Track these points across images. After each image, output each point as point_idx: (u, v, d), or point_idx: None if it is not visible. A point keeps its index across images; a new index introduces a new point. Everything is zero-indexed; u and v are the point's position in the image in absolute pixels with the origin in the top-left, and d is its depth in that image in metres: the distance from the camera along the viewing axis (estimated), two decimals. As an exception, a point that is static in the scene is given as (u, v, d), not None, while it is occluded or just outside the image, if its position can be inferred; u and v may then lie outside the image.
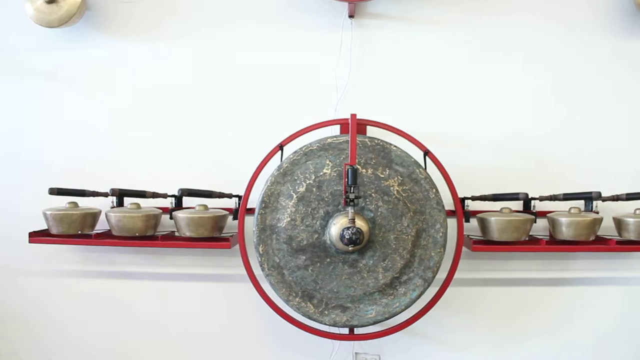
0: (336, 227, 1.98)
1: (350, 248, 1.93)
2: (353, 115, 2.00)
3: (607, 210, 2.25)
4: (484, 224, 2.18)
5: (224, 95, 2.41)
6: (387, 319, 2.06)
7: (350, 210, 1.88)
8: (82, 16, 2.38)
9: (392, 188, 2.03)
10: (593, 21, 2.37)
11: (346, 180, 1.87)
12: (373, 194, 2.03)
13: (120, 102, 2.43)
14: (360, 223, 1.97)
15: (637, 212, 2.19)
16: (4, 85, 2.45)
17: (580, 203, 2.24)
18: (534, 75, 2.38)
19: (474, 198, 2.25)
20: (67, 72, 2.44)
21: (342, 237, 1.90)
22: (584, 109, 2.37)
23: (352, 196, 1.87)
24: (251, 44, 2.40)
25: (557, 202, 2.25)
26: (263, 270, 2.05)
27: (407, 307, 2.06)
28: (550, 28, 2.37)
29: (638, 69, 2.36)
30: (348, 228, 1.89)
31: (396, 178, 2.04)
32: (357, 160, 1.99)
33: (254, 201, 2.11)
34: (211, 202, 2.26)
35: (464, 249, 2.20)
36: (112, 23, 2.43)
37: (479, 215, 2.21)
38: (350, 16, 2.34)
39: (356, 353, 2.42)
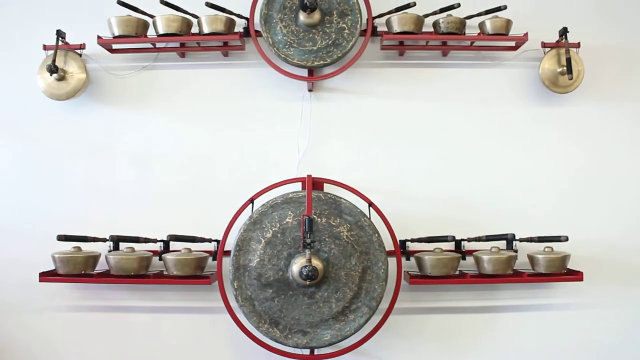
0: (296, 265, 2.55)
1: (307, 282, 2.49)
2: (309, 176, 2.61)
3: (526, 249, 2.83)
4: (419, 262, 2.76)
5: (204, 155, 2.98)
6: (339, 341, 2.62)
7: (307, 252, 2.45)
8: (85, 90, 2.96)
9: (342, 233, 2.62)
10: (510, 94, 3.02)
11: (304, 228, 2.45)
12: (327, 239, 2.61)
13: (117, 161, 2.99)
14: (316, 262, 2.54)
15: (546, 249, 2.79)
16: (17, 146, 3.00)
17: (503, 243, 2.83)
18: (462, 138, 3.00)
19: (413, 240, 2.84)
20: (72, 136, 2.99)
21: (300, 273, 2.46)
22: (503, 166, 2.99)
23: (308, 240, 2.44)
24: (226, 111, 2.99)
25: (482, 242, 2.84)
26: (237, 302, 2.60)
27: (356, 330, 2.62)
28: (475, 99, 3.01)
29: (547, 131, 3.00)
30: (305, 266, 2.45)
31: (345, 225, 2.63)
32: (312, 212, 2.58)
33: (230, 245, 2.68)
34: (194, 246, 2.80)
35: (404, 282, 2.78)
36: (110, 95, 3.00)
37: (416, 254, 2.79)
38: (310, 90, 2.96)
39: (318, 373, 2.97)
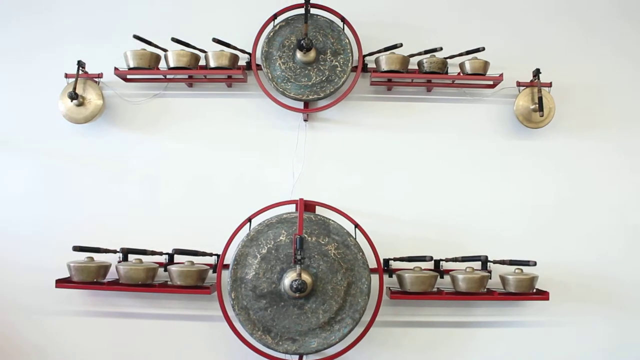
0: (288, 279, 2.90)
1: (297, 295, 2.85)
2: (301, 199, 2.99)
3: (499, 270, 3.18)
4: (400, 279, 3.10)
5: (207, 177, 3.35)
6: (325, 348, 2.97)
7: (298, 267, 2.81)
8: (101, 115, 3.33)
9: (330, 251, 2.98)
10: (488, 128, 3.39)
11: (295, 245, 2.80)
12: (316, 256, 2.97)
13: (128, 179, 3.35)
14: (305, 277, 2.89)
15: (516, 271, 3.11)
16: (39, 165, 3.37)
17: (477, 264, 3.16)
18: (443, 167, 3.36)
19: (395, 259, 3.18)
20: (88, 156, 3.36)
21: (291, 286, 2.82)
22: (480, 193, 3.35)
23: (299, 257, 2.80)
24: (228, 137, 3.37)
25: (458, 263, 3.17)
26: (234, 311, 2.96)
27: (340, 339, 2.97)
28: (456, 131, 3.38)
29: (520, 161, 3.37)
30: (296, 280, 2.80)
31: (333, 244, 2.99)
32: (303, 231, 2.94)
33: (229, 259, 3.05)
34: (196, 259, 3.15)
35: (385, 297, 3.13)
36: (123, 120, 3.38)
37: (397, 272, 3.13)
38: (305, 120, 3.34)
39: (306, 379, 3.31)
